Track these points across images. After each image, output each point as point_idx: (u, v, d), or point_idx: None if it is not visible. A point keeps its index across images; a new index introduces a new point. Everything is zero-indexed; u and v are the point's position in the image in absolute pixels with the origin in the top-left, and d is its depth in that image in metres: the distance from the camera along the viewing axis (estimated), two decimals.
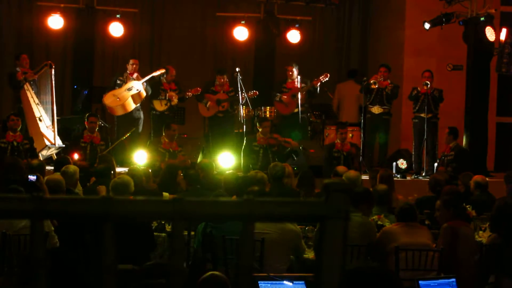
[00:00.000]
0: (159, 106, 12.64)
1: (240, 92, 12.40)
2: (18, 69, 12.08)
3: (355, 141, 12.66)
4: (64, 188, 7.35)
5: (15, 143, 10.93)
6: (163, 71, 12.70)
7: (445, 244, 6.52)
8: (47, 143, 11.60)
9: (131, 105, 12.38)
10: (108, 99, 12.40)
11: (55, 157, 11.66)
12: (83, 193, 8.33)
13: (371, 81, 12.69)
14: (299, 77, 12.85)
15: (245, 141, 11.78)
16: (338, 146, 11.71)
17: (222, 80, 12.75)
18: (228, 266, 6.31)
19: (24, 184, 6.73)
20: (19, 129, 11.21)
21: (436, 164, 12.33)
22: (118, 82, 12.46)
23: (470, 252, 6.60)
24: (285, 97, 12.76)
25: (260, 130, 11.74)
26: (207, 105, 12.66)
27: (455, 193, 7.76)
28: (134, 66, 12.59)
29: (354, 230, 6.31)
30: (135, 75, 12.51)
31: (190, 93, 12.58)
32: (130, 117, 12.47)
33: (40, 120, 11.86)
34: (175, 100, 12.61)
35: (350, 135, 12.98)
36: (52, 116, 11.95)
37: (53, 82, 12.05)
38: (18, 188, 6.24)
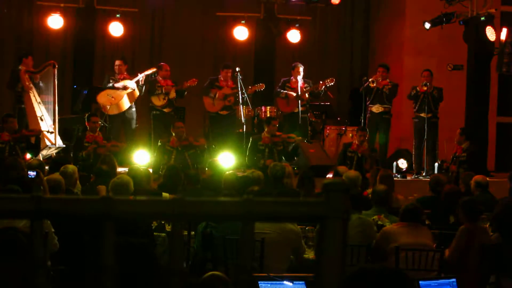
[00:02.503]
0: (157, 101, 12.63)
1: (240, 92, 12.41)
2: (20, 67, 12.09)
3: (355, 141, 12.66)
4: (64, 188, 7.35)
5: (12, 143, 10.90)
6: (154, 70, 12.72)
7: (458, 245, 6.49)
8: (48, 143, 11.59)
9: (125, 104, 12.39)
10: (102, 98, 12.41)
11: (54, 155, 11.66)
12: (81, 193, 8.32)
13: (370, 80, 12.71)
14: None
15: (250, 141, 11.77)
16: (354, 147, 11.72)
17: (228, 74, 12.74)
18: (228, 266, 6.30)
19: (24, 183, 6.71)
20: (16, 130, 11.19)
21: (439, 162, 12.30)
22: (110, 82, 12.46)
23: (477, 254, 6.58)
24: (292, 93, 12.75)
25: (266, 129, 11.72)
26: (215, 97, 12.67)
27: (455, 193, 7.77)
28: (117, 67, 12.59)
29: (353, 230, 6.31)
30: (124, 75, 12.56)
31: (187, 84, 12.57)
32: (123, 116, 12.48)
33: (42, 120, 11.86)
34: (172, 94, 12.59)
35: (350, 135, 13.00)
36: (54, 115, 11.96)
37: (56, 82, 12.06)
38: (15, 188, 6.21)
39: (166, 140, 11.47)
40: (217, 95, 12.66)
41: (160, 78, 12.69)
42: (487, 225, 7.51)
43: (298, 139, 11.72)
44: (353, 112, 14.64)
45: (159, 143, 11.65)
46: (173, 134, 11.44)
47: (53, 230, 6.32)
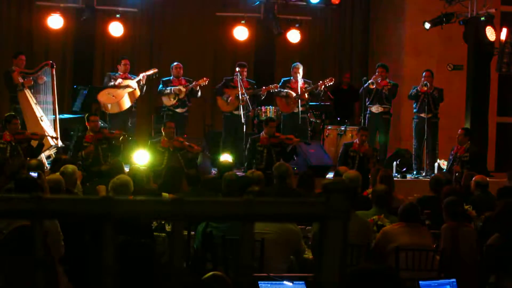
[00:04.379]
0: (168, 101, 12.63)
1: (240, 92, 12.41)
2: (13, 68, 12.07)
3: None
4: (64, 188, 7.34)
5: (13, 143, 10.89)
6: (155, 70, 12.72)
7: (445, 244, 6.52)
8: (51, 142, 11.59)
9: (126, 104, 12.38)
10: (103, 97, 12.41)
11: (54, 156, 11.67)
12: (83, 193, 8.32)
13: (370, 82, 12.71)
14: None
15: (249, 142, 11.76)
16: (356, 146, 11.66)
17: (245, 73, 12.75)
18: (228, 266, 6.30)
19: (25, 184, 6.71)
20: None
21: (443, 163, 12.28)
22: (112, 81, 12.45)
23: (471, 252, 6.60)
24: (292, 93, 12.76)
25: (265, 130, 11.70)
26: (228, 100, 12.67)
27: (455, 193, 7.76)
28: (127, 66, 12.60)
29: (352, 230, 6.31)
30: (125, 74, 12.57)
31: (198, 83, 12.57)
32: (123, 116, 12.47)
33: (42, 120, 11.85)
34: (182, 94, 12.58)
35: (351, 135, 13.00)
36: (54, 115, 11.96)
37: (55, 82, 12.06)
38: (13, 188, 6.21)
39: (157, 140, 11.43)
40: (230, 99, 12.65)
41: (174, 78, 12.71)
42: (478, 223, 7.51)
43: (296, 141, 11.68)
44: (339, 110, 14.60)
45: (149, 144, 11.58)
46: (163, 134, 11.36)
47: (62, 237, 6.28)
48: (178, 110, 12.67)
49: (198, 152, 11.30)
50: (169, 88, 12.60)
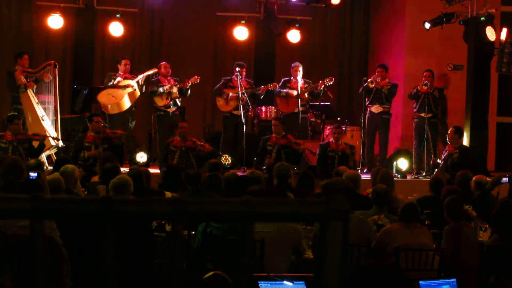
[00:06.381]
0: (161, 101, 12.62)
1: (240, 92, 12.42)
2: (16, 67, 12.04)
3: (355, 141, 12.67)
4: (64, 188, 7.33)
5: (14, 143, 10.90)
6: (155, 70, 12.72)
7: (447, 245, 6.52)
8: (52, 143, 11.58)
9: (126, 104, 12.38)
10: (103, 97, 12.40)
11: (54, 156, 11.67)
12: (87, 192, 8.33)
13: (369, 80, 12.71)
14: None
15: (261, 141, 11.82)
16: (333, 145, 11.64)
17: (244, 73, 12.75)
18: (228, 266, 6.30)
19: (25, 184, 6.71)
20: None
21: (440, 161, 12.30)
22: (111, 82, 12.45)
23: (471, 252, 6.60)
24: (292, 92, 12.77)
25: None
26: (228, 97, 12.66)
27: (454, 194, 7.76)
28: (127, 66, 12.59)
29: (352, 230, 6.31)
30: (125, 74, 12.57)
31: (189, 82, 12.56)
32: (123, 116, 12.46)
33: (43, 120, 11.85)
34: (175, 93, 12.57)
35: (351, 135, 13.01)
36: (56, 115, 11.95)
37: (57, 82, 12.06)
38: (16, 188, 6.20)
39: (170, 140, 11.46)
40: (230, 95, 12.65)
41: (162, 78, 12.68)
42: (487, 225, 7.52)
43: (303, 148, 11.69)
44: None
45: (163, 145, 11.61)
46: (176, 134, 11.42)
47: (59, 234, 6.26)
48: (169, 109, 12.66)
49: (210, 152, 11.34)
50: (161, 88, 12.58)
